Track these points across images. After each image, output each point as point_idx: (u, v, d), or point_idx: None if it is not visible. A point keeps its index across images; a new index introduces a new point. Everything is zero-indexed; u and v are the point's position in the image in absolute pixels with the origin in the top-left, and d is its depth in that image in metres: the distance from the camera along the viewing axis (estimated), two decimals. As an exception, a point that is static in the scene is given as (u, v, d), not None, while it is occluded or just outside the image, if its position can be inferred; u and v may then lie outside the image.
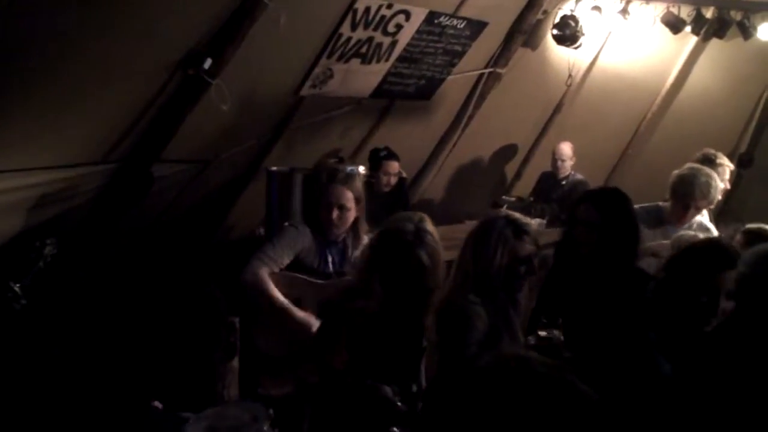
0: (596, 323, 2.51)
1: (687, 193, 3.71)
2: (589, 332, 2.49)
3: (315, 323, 3.27)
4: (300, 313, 3.29)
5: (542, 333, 2.55)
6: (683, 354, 2.28)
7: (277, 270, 3.28)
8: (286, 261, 3.31)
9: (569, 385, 1.03)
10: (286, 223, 3.60)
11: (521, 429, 0.99)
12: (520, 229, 2.54)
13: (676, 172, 3.82)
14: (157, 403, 2.96)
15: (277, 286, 3.27)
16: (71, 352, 3.55)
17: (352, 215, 3.36)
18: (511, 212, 2.67)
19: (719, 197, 3.95)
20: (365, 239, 3.33)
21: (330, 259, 3.41)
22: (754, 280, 1.88)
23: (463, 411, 1.05)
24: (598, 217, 2.76)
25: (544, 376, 1.04)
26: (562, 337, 2.52)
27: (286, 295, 3.29)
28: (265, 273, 3.24)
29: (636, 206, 3.10)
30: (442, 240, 3.69)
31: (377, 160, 5.11)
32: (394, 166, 5.12)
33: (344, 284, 3.32)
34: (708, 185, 3.72)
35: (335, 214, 3.31)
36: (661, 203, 3.88)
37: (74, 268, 3.88)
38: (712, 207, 3.98)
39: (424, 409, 2.62)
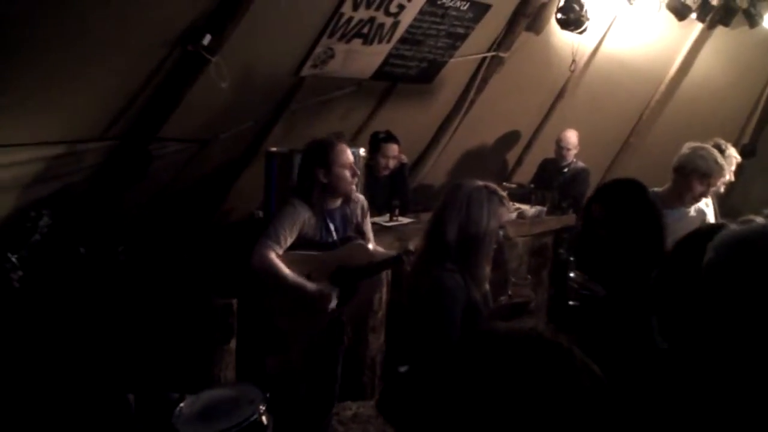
0: (603, 308, 2.48)
1: (696, 168, 3.63)
2: (594, 317, 2.47)
3: (328, 292, 3.33)
4: (313, 286, 3.32)
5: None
6: (683, 340, 2.25)
7: (281, 251, 3.27)
8: (290, 240, 3.32)
9: (582, 365, 1.02)
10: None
11: (527, 404, 0.98)
12: (501, 197, 2.67)
13: (686, 146, 3.75)
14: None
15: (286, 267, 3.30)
16: (65, 333, 3.54)
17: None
18: (485, 182, 2.72)
19: (722, 182, 3.88)
20: (359, 198, 3.54)
21: (332, 227, 3.43)
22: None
23: (466, 385, 1.03)
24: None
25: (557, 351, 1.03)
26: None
27: (296, 274, 3.32)
28: (272, 255, 3.25)
29: None
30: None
31: (376, 143, 5.06)
32: (394, 148, 5.07)
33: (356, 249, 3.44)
34: (715, 162, 3.66)
35: (351, 173, 3.37)
36: (656, 189, 3.78)
37: (73, 244, 3.85)
38: (717, 188, 3.92)
39: (414, 388, 2.63)
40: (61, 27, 3.13)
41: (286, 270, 3.26)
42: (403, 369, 3.00)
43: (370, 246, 3.64)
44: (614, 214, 2.74)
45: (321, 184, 3.34)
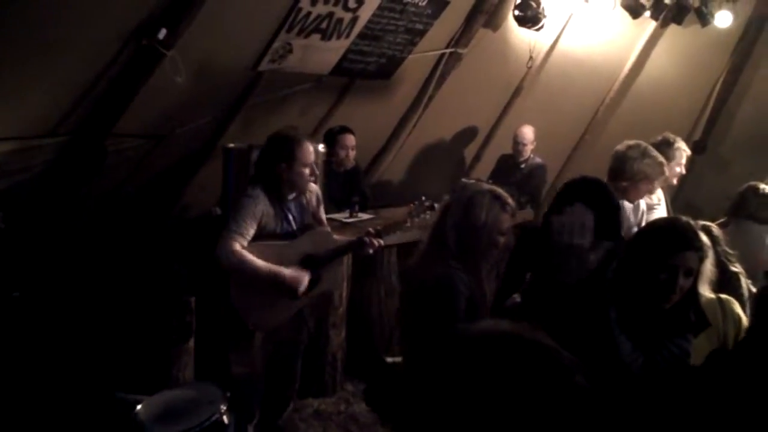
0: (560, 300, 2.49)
1: (646, 177, 3.65)
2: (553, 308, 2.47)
3: (306, 274, 3.33)
4: (288, 271, 3.30)
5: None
6: (643, 331, 2.28)
7: (246, 243, 3.24)
8: (252, 232, 3.29)
9: (559, 364, 1.01)
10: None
11: (514, 403, 0.97)
12: (505, 203, 2.69)
13: (626, 151, 3.69)
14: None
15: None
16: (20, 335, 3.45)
17: None
18: (493, 186, 2.73)
19: (675, 175, 3.88)
20: (313, 187, 3.55)
21: (291, 217, 3.44)
22: None
23: (455, 382, 1.01)
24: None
25: (538, 351, 1.01)
26: None
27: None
28: (239, 249, 3.22)
29: None
30: (399, 221, 3.71)
31: (332, 137, 5.06)
32: (350, 138, 5.07)
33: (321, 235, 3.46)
34: (660, 164, 3.66)
35: (310, 171, 3.38)
36: None
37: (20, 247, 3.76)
38: (670, 181, 3.96)
39: (409, 383, 2.62)
40: (11, 19, 3.04)
41: (257, 260, 3.24)
42: (390, 360, 2.97)
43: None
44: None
45: (280, 178, 3.33)
